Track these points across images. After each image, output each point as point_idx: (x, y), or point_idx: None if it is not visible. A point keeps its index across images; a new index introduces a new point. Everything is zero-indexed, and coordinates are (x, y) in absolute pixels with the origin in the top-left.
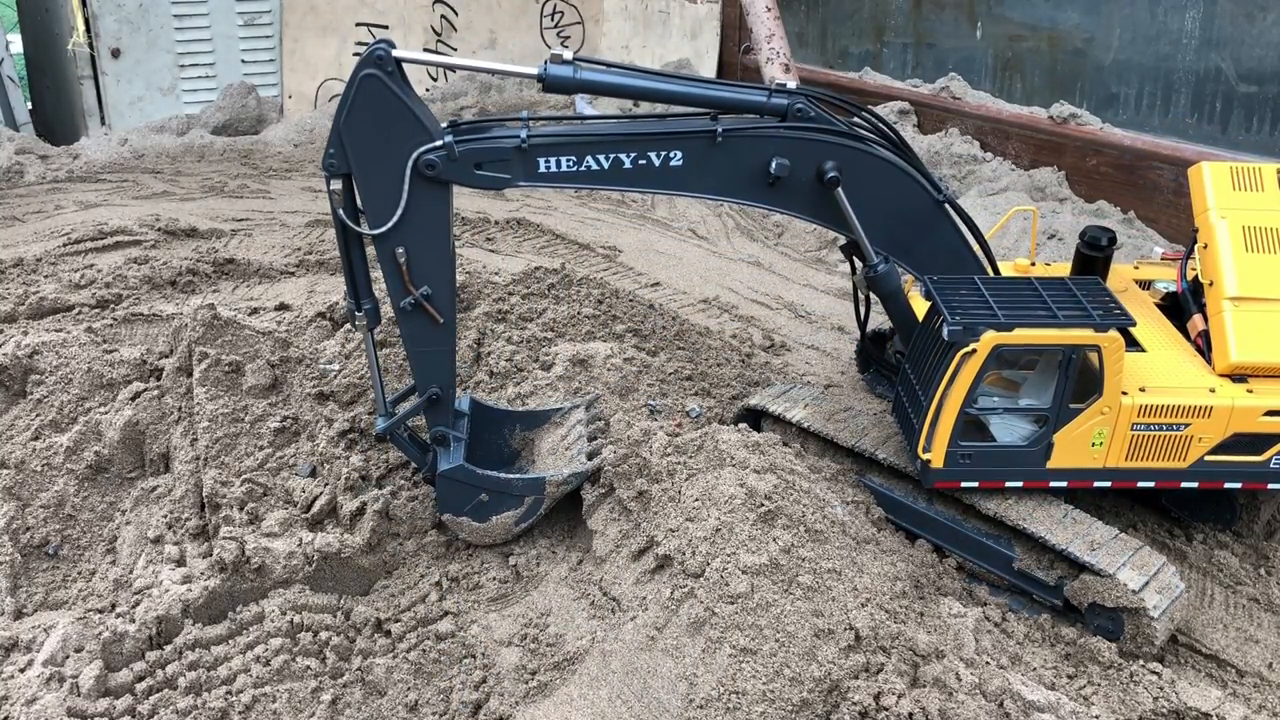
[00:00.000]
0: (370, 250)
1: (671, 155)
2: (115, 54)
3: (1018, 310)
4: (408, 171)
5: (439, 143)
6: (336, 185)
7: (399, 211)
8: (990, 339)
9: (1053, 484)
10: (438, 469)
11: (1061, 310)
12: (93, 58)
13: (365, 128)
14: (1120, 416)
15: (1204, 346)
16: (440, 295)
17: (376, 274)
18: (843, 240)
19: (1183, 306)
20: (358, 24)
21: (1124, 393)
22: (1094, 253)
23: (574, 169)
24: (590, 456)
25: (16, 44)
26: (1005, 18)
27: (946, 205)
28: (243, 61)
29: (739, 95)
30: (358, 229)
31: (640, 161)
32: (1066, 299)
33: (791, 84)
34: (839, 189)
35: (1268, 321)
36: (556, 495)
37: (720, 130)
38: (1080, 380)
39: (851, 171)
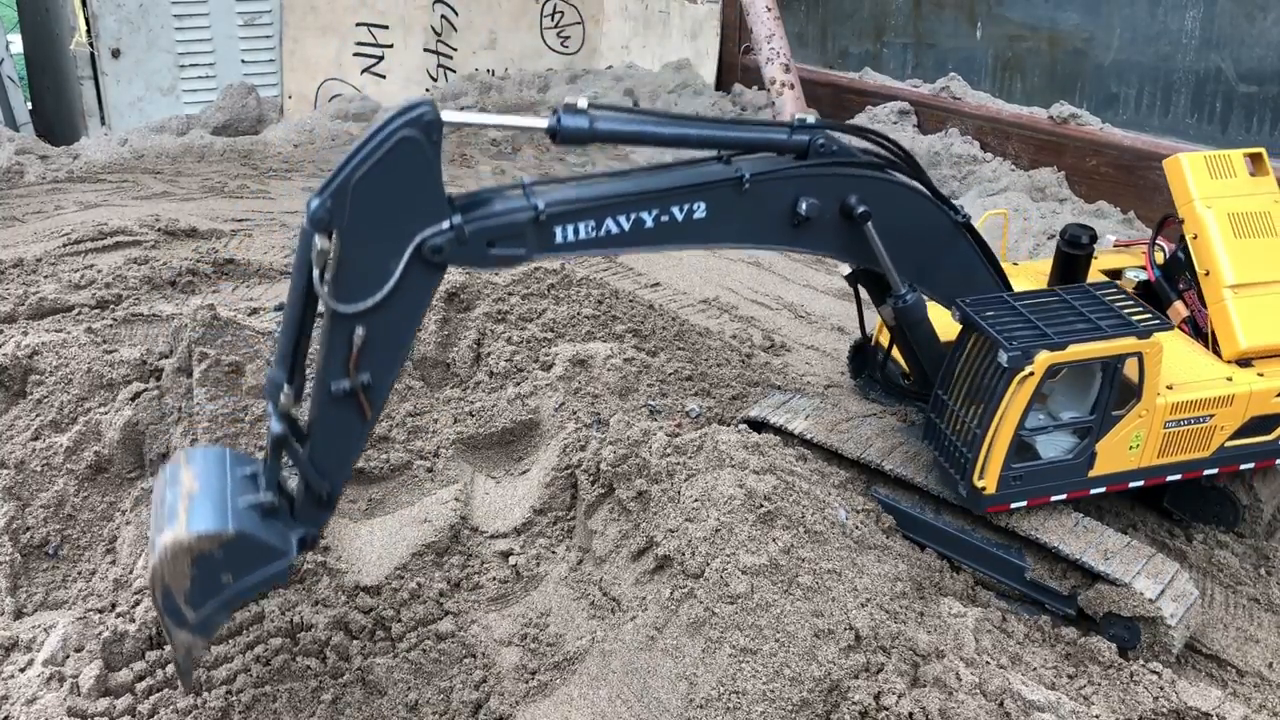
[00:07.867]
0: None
1: (695, 208)
2: (115, 54)
3: (1063, 327)
4: (408, 253)
5: (445, 225)
6: (324, 244)
7: (383, 293)
8: (1045, 359)
9: (1093, 491)
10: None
11: (1102, 321)
12: (93, 58)
13: (382, 191)
14: (1155, 417)
15: (1190, 333)
16: (378, 388)
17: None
18: (846, 269)
19: (1159, 294)
20: (358, 24)
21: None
22: (1075, 251)
23: (593, 234)
24: None
25: (16, 44)
26: (1005, 18)
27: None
28: (243, 61)
29: (761, 135)
30: (327, 300)
31: (663, 219)
32: (1098, 308)
33: (810, 117)
34: (869, 224)
35: (1268, 304)
36: None
37: (749, 175)
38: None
39: (877, 203)
